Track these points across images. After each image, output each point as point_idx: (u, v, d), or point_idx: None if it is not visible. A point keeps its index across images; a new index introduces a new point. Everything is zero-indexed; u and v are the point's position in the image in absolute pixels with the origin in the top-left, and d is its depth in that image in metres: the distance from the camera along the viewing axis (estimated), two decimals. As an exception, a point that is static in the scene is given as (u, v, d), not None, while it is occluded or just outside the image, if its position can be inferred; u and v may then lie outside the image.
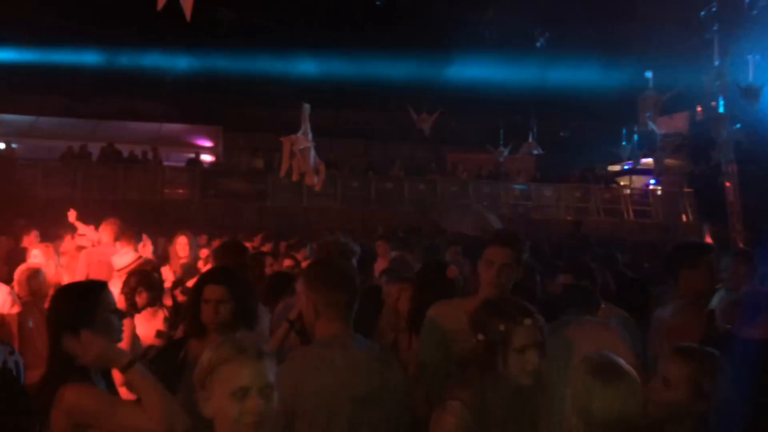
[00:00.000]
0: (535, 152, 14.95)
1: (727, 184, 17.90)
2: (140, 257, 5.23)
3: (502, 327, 2.32)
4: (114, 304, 2.57)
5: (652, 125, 11.59)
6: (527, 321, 2.33)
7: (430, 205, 19.36)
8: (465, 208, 13.22)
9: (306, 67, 14.76)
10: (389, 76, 14.99)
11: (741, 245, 16.33)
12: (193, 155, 20.50)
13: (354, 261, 3.93)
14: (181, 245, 6.43)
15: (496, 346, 2.32)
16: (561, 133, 17.15)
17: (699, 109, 16.49)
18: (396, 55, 14.21)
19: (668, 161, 17.69)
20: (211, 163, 21.09)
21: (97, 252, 5.75)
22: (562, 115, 16.24)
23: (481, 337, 2.37)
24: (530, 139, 14.60)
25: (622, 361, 2.26)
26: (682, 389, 2.25)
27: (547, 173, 22.10)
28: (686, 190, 20.22)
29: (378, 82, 15.50)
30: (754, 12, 9.28)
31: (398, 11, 10.78)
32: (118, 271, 4.93)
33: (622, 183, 23.32)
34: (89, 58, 17.37)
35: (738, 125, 15.67)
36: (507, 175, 21.58)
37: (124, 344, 3.71)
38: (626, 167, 22.18)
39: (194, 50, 13.83)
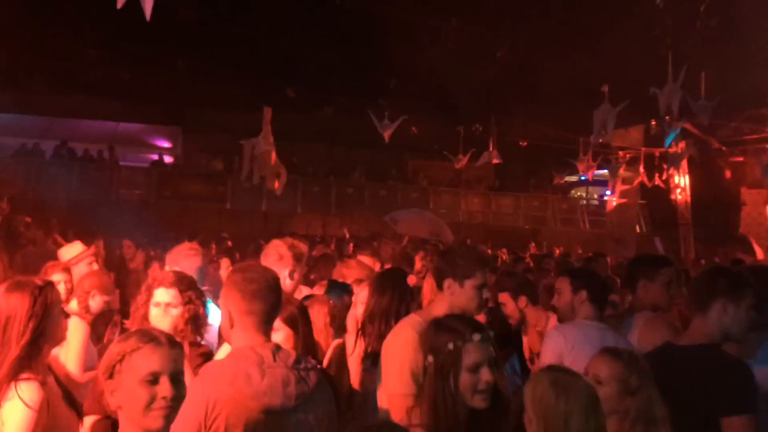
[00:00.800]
0: (495, 161, 15.14)
1: (679, 197, 18.44)
2: (88, 248, 5.04)
3: (450, 345, 2.24)
4: (60, 303, 2.59)
5: (603, 137, 11.88)
6: (476, 336, 2.25)
7: (390, 212, 19.42)
8: (419, 212, 13.28)
9: (269, 69, 14.65)
10: (352, 81, 15.01)
11: (692, 257, 16.84)
12: (150, 155, 20.13)
13: (303, 264, 3.86)
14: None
15: (447, 366, 2.24)
16: (521, 143, 17.43)
17: (653, 123, 16.98)
18: (359, 60, 14.24)
19: (623, 173, 18.14)
20: (169, 164, 20.75)
21: (35, 252, 5.60)
22: (522, 124, 16.50)
23: (430, 359, 2.29)
24: (490, 148, 14.79)
25: (578, 374, 2.29)
26: (611, 386, 2.39)
27: (506, 182, 22.43)
28: (640, 202, 20.73)
29: (340, 87, 15.50)
30: (706, 30, 9.60)
31: (361, 16, 10.80)
32: (66, 262, 4.73)
33: (579, 193, 23.82)
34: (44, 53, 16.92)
35: (690, 140, 16.21)
36: (467, 183, 21.83)
37: (79, 349, 3.64)
38: (583, 178, 22.66)
39: (154, 48, 13.59)
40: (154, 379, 1.82)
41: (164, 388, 1.82)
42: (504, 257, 11.46)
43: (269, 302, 2.34)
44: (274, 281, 2.42)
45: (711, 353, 2.73)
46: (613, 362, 2.44)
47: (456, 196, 21.39)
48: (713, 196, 18.19)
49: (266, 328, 2.35)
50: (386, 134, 13.98)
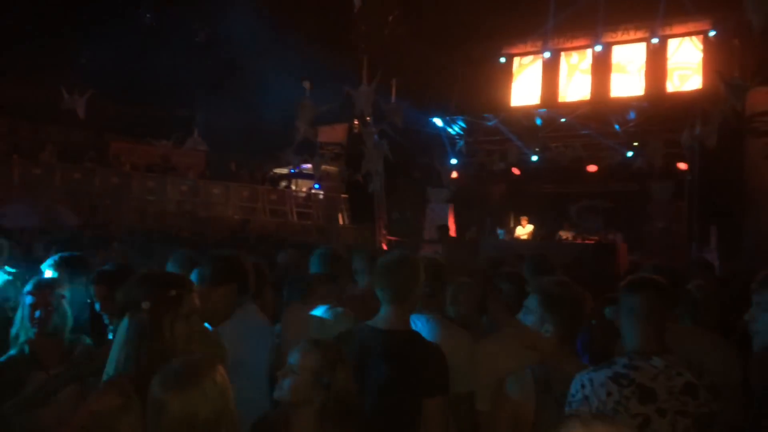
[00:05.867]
0: (201, 148, 14.78)
1: (375, 192, 20.02)
2: None
3: (173, 292, 2.37)
4: None
5: (307, 132, 12.36)
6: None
7: (86, 197, 17.86)
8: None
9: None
10: (40, 48, 13.41)
11: (385, 248, 18.39)
12: None
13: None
14: None
15: (164, 313, 2.32)
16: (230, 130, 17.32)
17: (356, 122, 18.14)
18: (53, 28, 12.79)
19: (327, 168, 19.09)
20: None
21: None
22: (231, 113, 16.36)
23: (146, 305, 2.32)
24: (195, 134, 14.38)
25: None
26: (305, 377, 2.39)
27: (217, 171, 22.06)
28: (343, 195, 22.00)
29: (27, 52, 13.75)
30: (394, 38, 10.51)
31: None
32: None
33: (289, 186, 24.45)
34: None
35: (386, 140, 17.64)
36: (176, 170, 20.96)
37: None
38: (293, 171, 23.33)
39: None
40: None
41: None
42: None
43: None
44: None
45: (413, 339, 2.96)
46: (308, 354, 2.43)
47: (162, 183, 20.38)
48: (405, 193, 20.11)
49: None
50: (79, 110, 12.78)
